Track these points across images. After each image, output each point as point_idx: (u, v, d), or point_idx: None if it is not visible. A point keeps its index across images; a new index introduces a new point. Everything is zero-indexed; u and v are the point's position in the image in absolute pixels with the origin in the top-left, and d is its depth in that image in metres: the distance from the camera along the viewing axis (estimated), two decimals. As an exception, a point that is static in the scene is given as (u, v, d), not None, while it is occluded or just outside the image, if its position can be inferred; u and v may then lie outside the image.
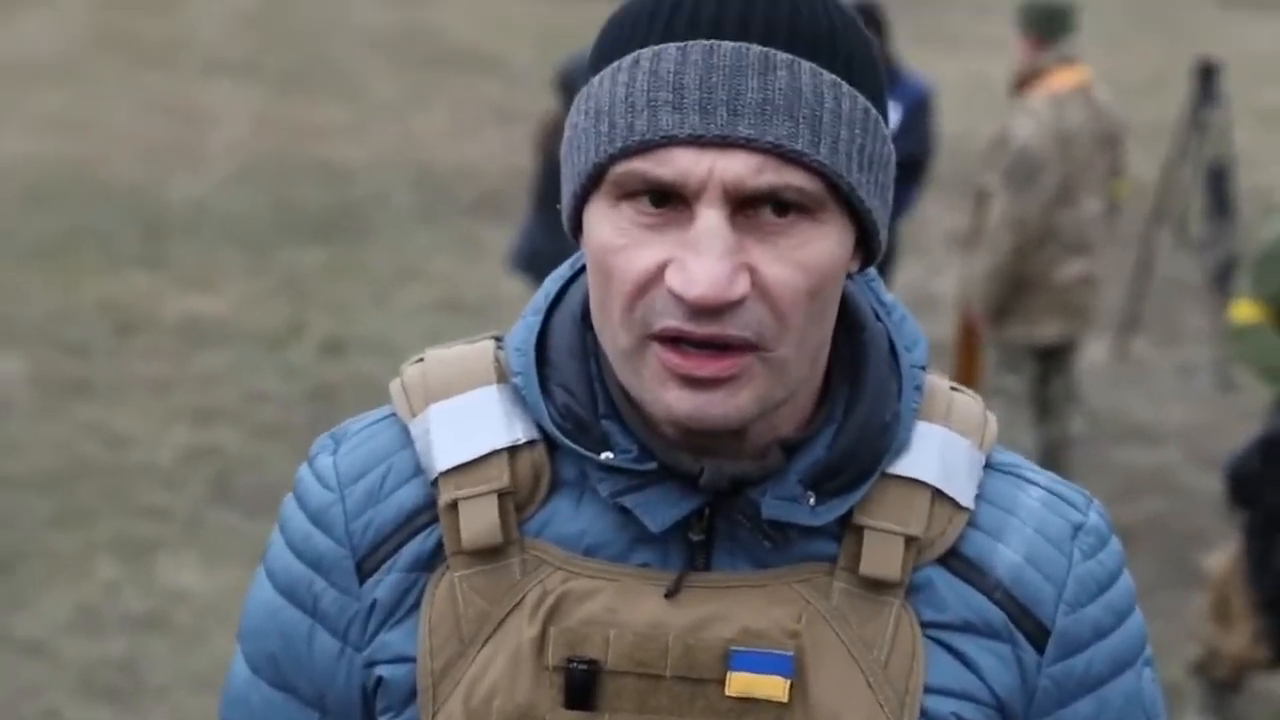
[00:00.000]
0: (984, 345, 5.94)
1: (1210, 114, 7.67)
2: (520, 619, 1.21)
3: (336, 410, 6.35)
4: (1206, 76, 7.65)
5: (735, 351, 1.15)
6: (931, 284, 8.66)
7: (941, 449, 1.24)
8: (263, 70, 12.80)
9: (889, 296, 1.29)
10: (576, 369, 1.23)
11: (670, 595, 1.20)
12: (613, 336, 1.18)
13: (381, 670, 1.24)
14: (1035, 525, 1.25)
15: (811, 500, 1.20)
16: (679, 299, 1.14)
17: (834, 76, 1.16)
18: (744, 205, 1.14)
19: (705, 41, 1.14)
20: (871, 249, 1.22)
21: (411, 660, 1.23)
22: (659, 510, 1.20)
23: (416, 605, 1.24)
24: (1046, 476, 1.29)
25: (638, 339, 1.16)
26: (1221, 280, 7.53)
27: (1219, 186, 7.62)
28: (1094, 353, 7.34)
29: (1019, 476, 1.28)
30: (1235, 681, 4.76)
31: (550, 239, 5.73)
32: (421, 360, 1.29)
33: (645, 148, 1.14)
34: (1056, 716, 1.25)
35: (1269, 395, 4.76)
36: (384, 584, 1.24)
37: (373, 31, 14.32)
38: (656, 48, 1.15)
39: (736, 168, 1.13)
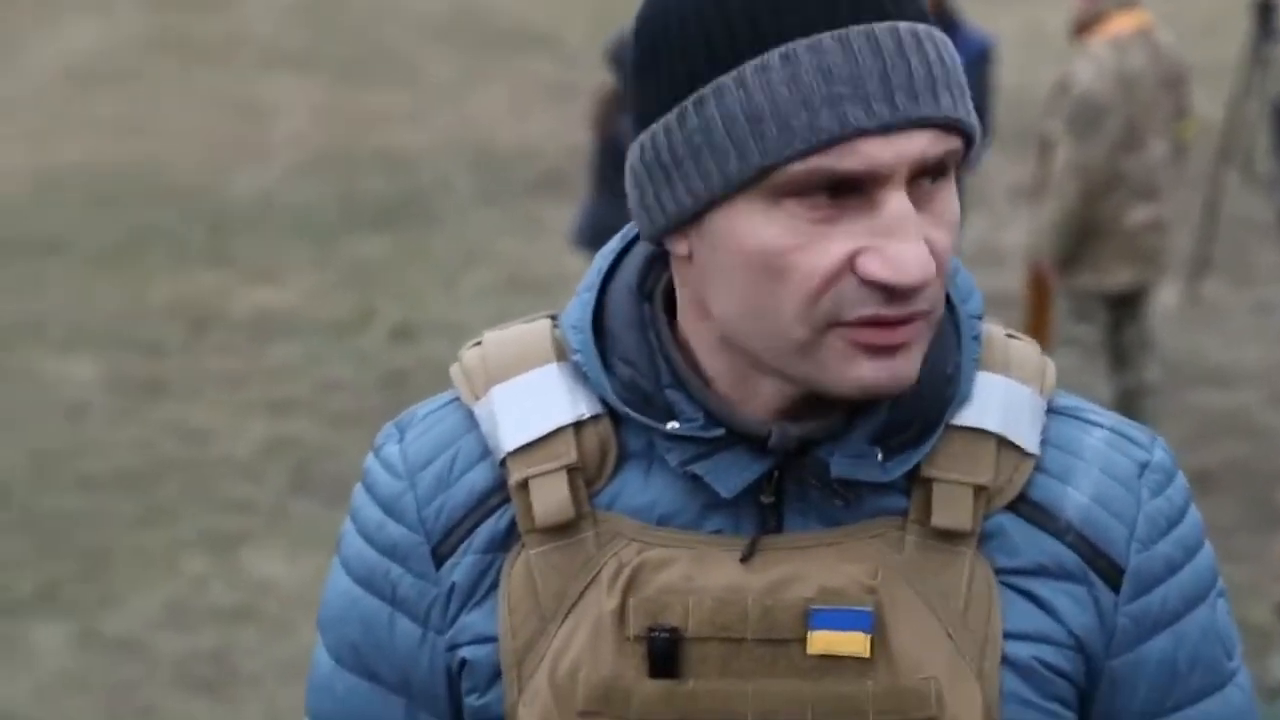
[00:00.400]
0: (1054, 296, 5.90)
1: (1271, 50, 7.57)
2: (599, 592, 1.22)
3: (409, 395, 6.38)
4: (1265, 13, 7.56)
5: (921, 316, 1.18)
6: (997, 237, 8.61)
7: (1004, 397, 1.25)
8: (319, 61, 12.85)
9: None
10: (636, 341, 1.24)
11: (745, 559, 1.21)
12: (780, 332, 1.18)
13: (464, 652, 1.26)
14: (1101, 466, 1.26)
15: (880, 456, 1.21)
16: (883, 286, 1.15)
17: (930, 28, 1.18)
18: (911, 180, 1.16)
19: (858, 28, 1.15)
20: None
21: (493, 640, 1.24)
22: (729, 475, 1.21)
23: (495, 586, 1.25)
24: (1110, 417, 1.29)
25: (817, 330, 1.17)
26: (1292, 217, 7.45)
27: (1284, 123, 7.53)
28: (1166, 297, 7.27)
29: (1081, 419, 1.28)
30: (1324, 620, 4.72)
31: (612, 213, 5.73)
32: (479, 343, 1.30)
33: (830, 144, 1.14)
34: (1135, 653, 1.26)
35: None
36: (460, 567, 1.25)
37: (425, 16, 14.35)
38: (809, 40, 1.14)
39: (918, 146, 1.15)
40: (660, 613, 1.20)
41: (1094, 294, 5.76)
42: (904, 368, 1.18)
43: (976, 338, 1.26)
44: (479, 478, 1.26)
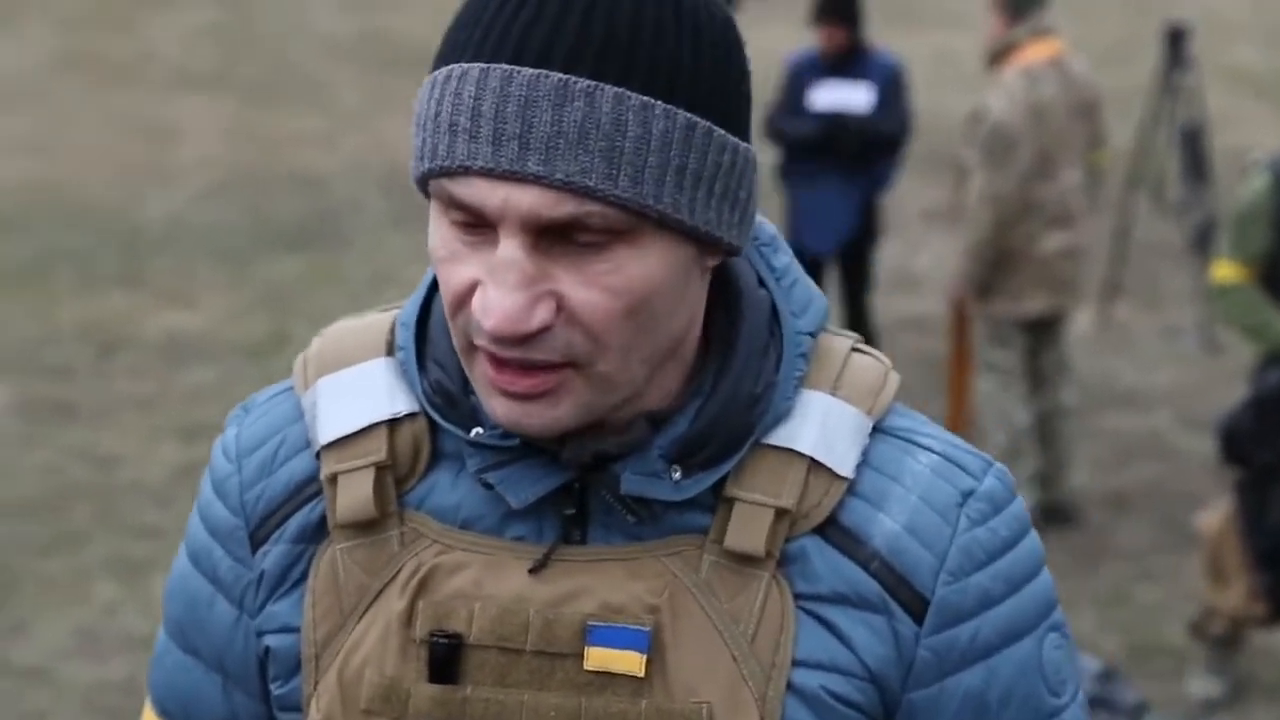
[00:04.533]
0: (972, 322, 5.94)
1: (1181, 77, 7.68)
2: (394, 592, 1.22)
3: (325, 419, 6.31)
4: (1176, 40, 7.66)
5: (547, 369, 1.15)
6: (911, 261, 8.66)
7: (823, 417, 1.22)
8: (229, 83, 12.75)
9: (782, 261, 1.27)
10: (449, 344, 1.23)
11: (536, 570, 1.20)
12: (452, 334, 1.19)
13: (269, 640, 1.27)
14: (921, 492, 1.22)
15: (677, 474, 1.19)
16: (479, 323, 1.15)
17: (644, 98, 1.12)
18: (549, 231, 1.13)
19: (506, 67, 1.12)
20: (724, 248, 1.18)
21: (297, 631, 1.25)
22: (522, 486, 1.20)
23: (304, 577, 1.25)
24: (943, 441, 1.25)
25: (464, 344, 1.18)
26: (1201, 242, 7.55)
27: (1194, 149, 7.63)
28: (1079, 321, 7.34)
29: (911, 442, 1.25)
30: (1234, 638, 4.77)
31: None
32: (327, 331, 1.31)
33: (447, 172, 1.14)
34: (940, 687, 1.22)
35: (1254, 354, 4.77)
36: (272, 555, 1.26)
37: (334, 38, 14.28)
38: (465, 66, 1.14)
39: (530, 201, 1.11)
40: (446, 618, 1.20)
41: (1011, 320, 5.80)
42: (535, 416, 1.15)
43: (804, 354, 1.24)
44: (299, 467, 1.26)
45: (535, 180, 1.11)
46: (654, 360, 1.18)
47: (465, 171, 1.12)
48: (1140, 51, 11.96)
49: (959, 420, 6.08)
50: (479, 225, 1.14)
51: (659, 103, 1.12)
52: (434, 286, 1.27)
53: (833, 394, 1.23)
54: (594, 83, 1.11)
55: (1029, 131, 5.63)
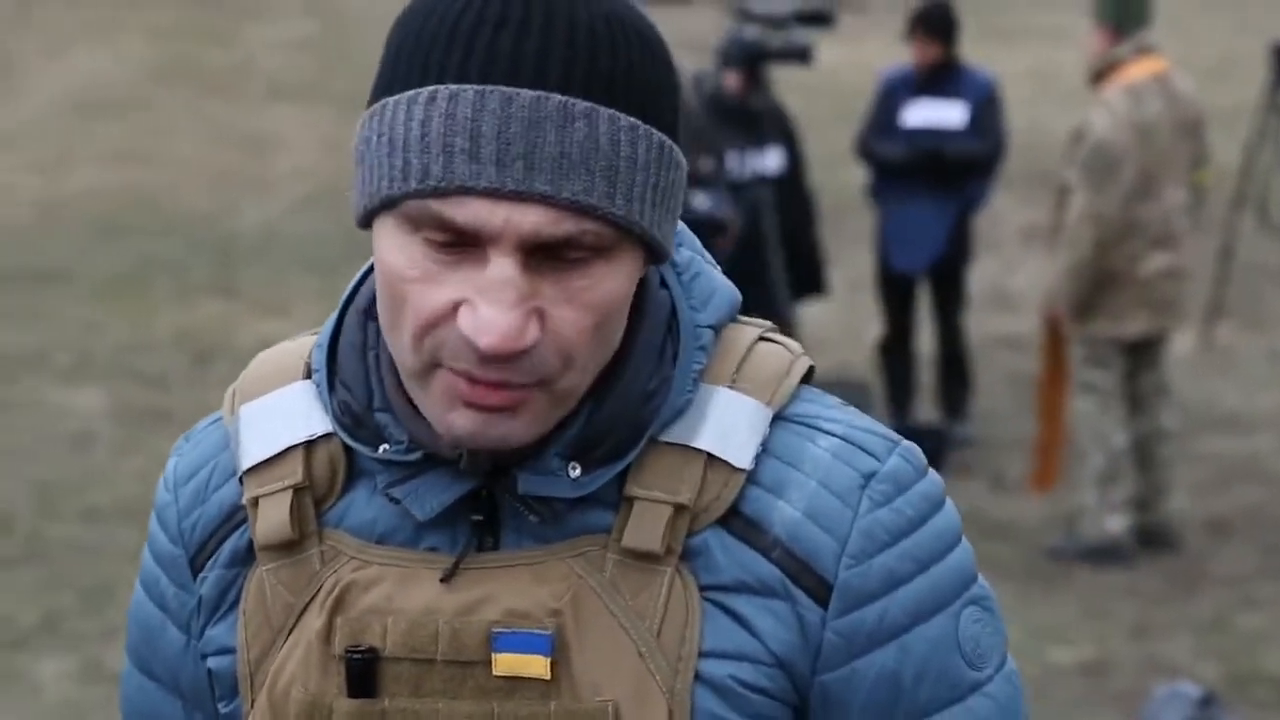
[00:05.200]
0: (1070, 342, 5.87)
1: (1286, 96, 7.56)
2: (314, 609, 1.25)
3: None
4: (1281, 58, 7.55)
5: (518, 386, 1.17)
6: (1007, 279, 8.58)
7: (720, 411, 1.23)
8: (323, 94, 12.85)
9: (684, 256, 1.28)
10: (355, 365, 1.26)
11: (446, 579, 1.22)
12: (400, 355, 1.20)
13: (210, 662, 1.30)
14: (820, 478, 1.23)
15: (576, 471, 1.21)
16: (470, 343, 1.15)
17: (631, 120, 1.17)
18: (539, 249, 1.15)
19: (505, 89, 1.14)
20: (661, 257, 1.23)
21: (234, 652, 1.28)
22: (427, 498, 1.22)
23: (238, 600, 1.28)
24: (846, 425, 1.25)
25: (426, 365, 1.18)
26: (1305, 264, 7.42)
27: (1299, 169, 7.51)
28: (1180, 342, 7.24)
29: (812, 427, 1.25)
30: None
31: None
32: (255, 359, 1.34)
33: (440, 193, 1.15)
34: (851, 669, 1.23)
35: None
36: (209, 580, 1.30)
37: (432, 51, 14.37)
38: (454, 88, 1.15)
39: (533, 220, 1.14)
40: (361, 633, 1.23)
41: (1110, 341, 5.72)
42: (496, 428, 1.18)
43: (703, 348, 1.25)
44: (229, 494, 1.29)
45: (541, 200, 1.14)
46: (597, 369, 1.21)
47: (464, 192, 1.14)
48: (1245, 70, 11.81)
49: (1051, 439, 6.00)
50: (457, 245, 1.16)
51: (641, 124, 1.17)
52: (343, 308, 1.28)
53: (731, 386, 1.24)
54: (591, 104, 1.15)
55: (1133, 150, 5.55)
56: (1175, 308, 5.74)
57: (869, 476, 1.23)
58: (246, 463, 1.27)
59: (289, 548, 1.26)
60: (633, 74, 1.17)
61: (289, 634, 1.26)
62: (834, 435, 1.25)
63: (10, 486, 6.13)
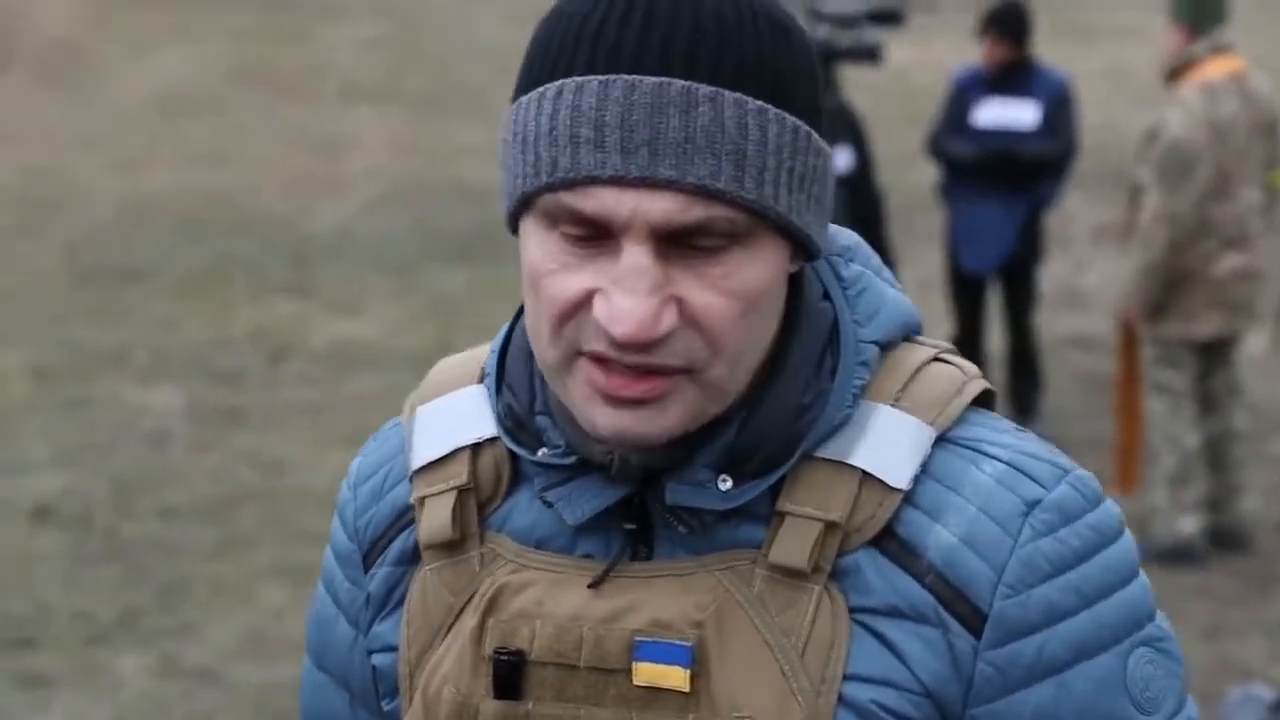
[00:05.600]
0: (1142, 342, 5.84)
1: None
2: (470, 611, 1.25)
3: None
4: (1358, 56, 7.48)
5: (664, 374, 1.16)
6: (1079, 279, 8.54)
7: (880, 429, 1.21)
8: (398, 95, 12.93)
9: (852, 270, 1.26)
10: (522, 368, 1.26)
11: (595, 585, 1.22)
12: (541, 351, 1.20)
13: (375, 659, 1.32)
14: (981, 504, 1.20)
15: (726, 484, 1.20)
16: (605, 332, 1.15)
17: (760, 103, 1.16)
18: (672, 237, 1.15)
19: (627, 77, 1.14)
20: (811, 251, 1.21)
21: (396, 650, 1.30)
22: (579, 503, 1.22)
23: (404, 599, 1.30)
24: (1014, 450, 1.22)
25: (566, 355, 1.18)
26: (1382, 264, 7.36)
27: (1375, 168, 7.44)
28: (1252, 343, 7.18)
29: (977, 451, 1.22)
30: None
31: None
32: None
33: (569, 184, 1.15)
34: (1005, 703, 1.19)
35: None
36: (377, 578, 1.31)
37: (498, 50, 14.41)
38: (580, 80, 1.15)
39: (662, 207, 1.14)
40: (511, 635, 1.23)
41: (1182, 341, 5.70)
42: (642, 424, 1.17)
43: (865, 363, 1.23)
44: (401, 494, 1.31)
45: (667, 185, 1.13)
46: (753, 368, 1.20)
47: (591, 181, 1.14)
48: (1319, 67, 11.67)
49: (1129, 441, 5.98)
50: (593, 238, 1.16)
51: (771, 107, 1.16)
52: (518, 315, 1.29)
53: (895, 404, 1.22)
54: (715, 88, 1.14)
55: (1208, 150, 5.52)
56: (1248, 308, 5.71)
57: (1032, 504, 1.20)
58: (416, 463, 1.29)
59: (451, 548, 1.26)
60: (763, 59, 1.16)
61: (446, 634, 1.26)
62: (999, 460, 1.21)
63: (89, 484, 6.22)
